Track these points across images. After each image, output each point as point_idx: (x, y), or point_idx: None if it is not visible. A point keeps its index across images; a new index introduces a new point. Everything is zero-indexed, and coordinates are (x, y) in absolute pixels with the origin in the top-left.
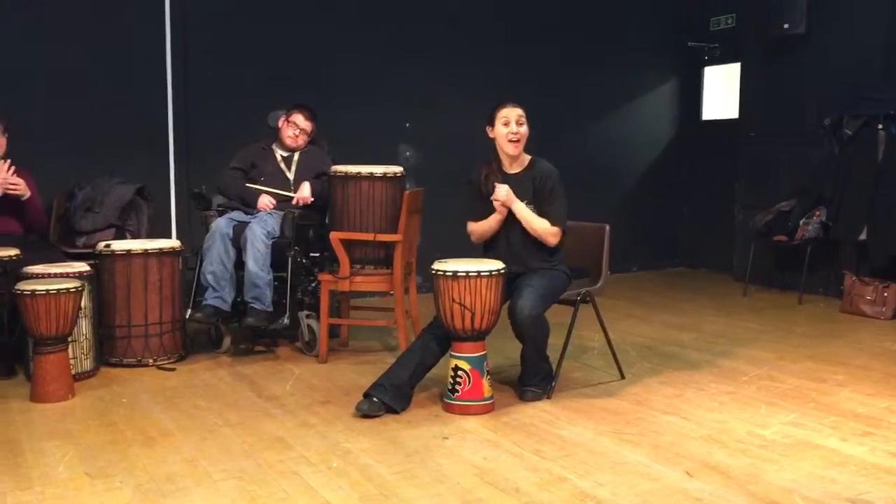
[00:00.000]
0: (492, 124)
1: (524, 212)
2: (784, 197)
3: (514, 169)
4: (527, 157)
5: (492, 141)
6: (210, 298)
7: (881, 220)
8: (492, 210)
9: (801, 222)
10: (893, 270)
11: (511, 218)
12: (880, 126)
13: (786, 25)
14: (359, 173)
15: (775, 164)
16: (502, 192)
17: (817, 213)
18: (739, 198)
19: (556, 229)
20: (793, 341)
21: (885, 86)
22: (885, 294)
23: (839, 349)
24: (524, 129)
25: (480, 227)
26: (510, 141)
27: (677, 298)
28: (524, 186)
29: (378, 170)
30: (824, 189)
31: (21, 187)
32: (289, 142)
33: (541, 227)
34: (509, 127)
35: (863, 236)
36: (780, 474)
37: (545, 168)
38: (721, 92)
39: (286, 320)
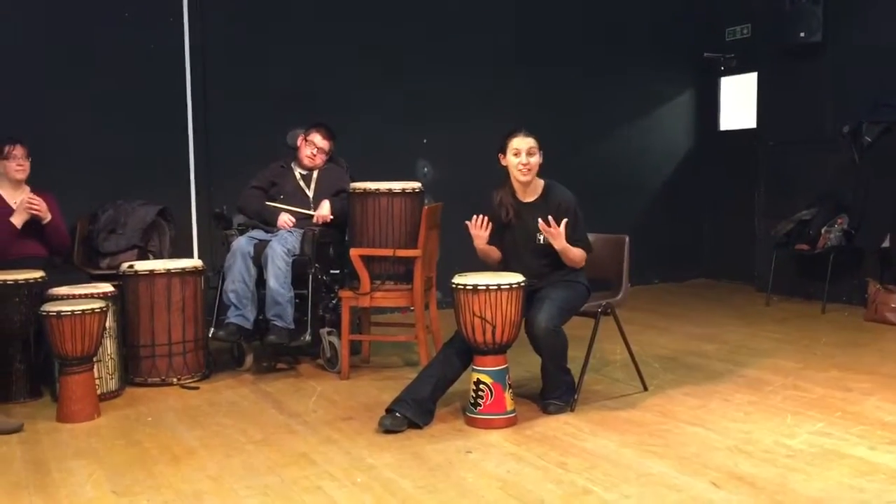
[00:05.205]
0: (503, 152)
1: (565, 247)
2: (804, 205)
3: (528, 197)
4: (540, 183)
5: (505, 167)
6: (232, 317)
7: None
8: (501, 236)
9: (822, 230)
10: None
11: (525, 238)
12: None
13: (802, 34)
14: (377, 190)
15: (795, 172)
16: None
17: (839, 220)
18: (759, 207)
19: (586, 255)
20: (817, 350)
21: None
22: None
23: (865, 358)
24: (535, 160)
25: (483, 252)
26: (520, 171)
27: (699, 309)
28: (542, 217)
29: (396, 186)
30: (845, 196)
31: (42, 208)
32: (306, 161)
33: (578, 255)
34: (520, 158)
35: (886, 244)
36: (809, 484)
37: (562, 196)
38: (738, 101)
39: (308, 337)
